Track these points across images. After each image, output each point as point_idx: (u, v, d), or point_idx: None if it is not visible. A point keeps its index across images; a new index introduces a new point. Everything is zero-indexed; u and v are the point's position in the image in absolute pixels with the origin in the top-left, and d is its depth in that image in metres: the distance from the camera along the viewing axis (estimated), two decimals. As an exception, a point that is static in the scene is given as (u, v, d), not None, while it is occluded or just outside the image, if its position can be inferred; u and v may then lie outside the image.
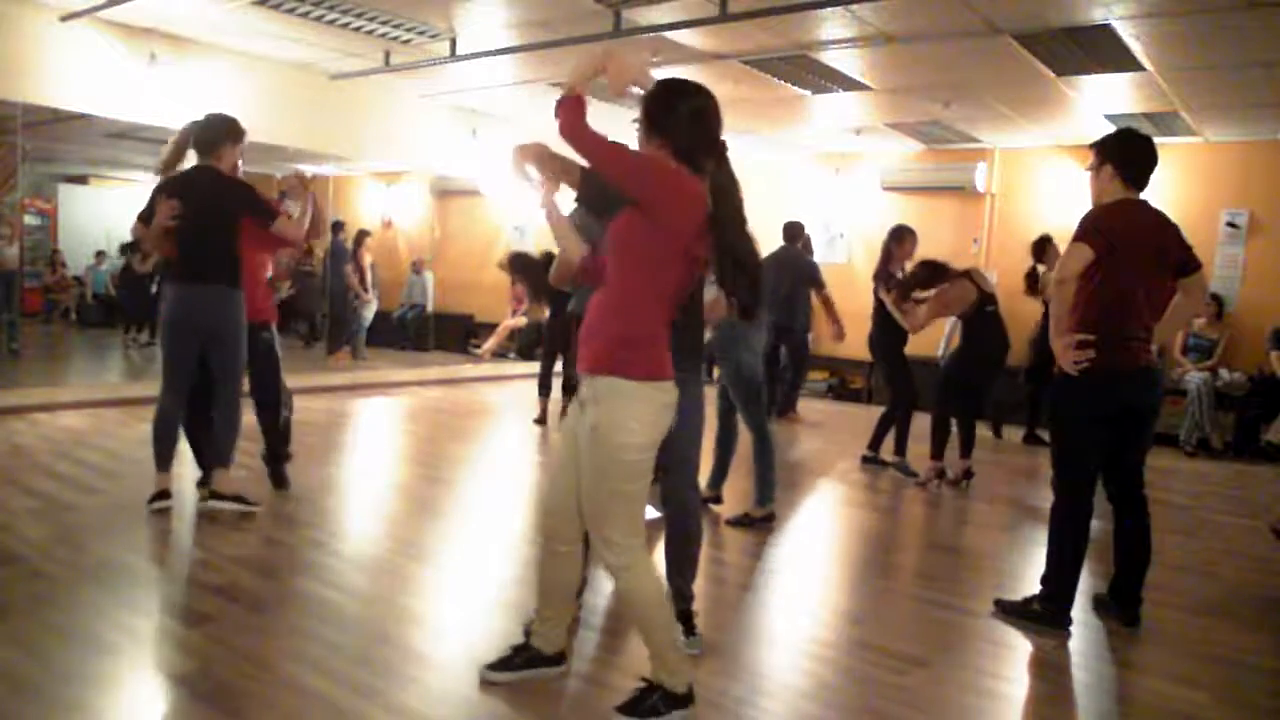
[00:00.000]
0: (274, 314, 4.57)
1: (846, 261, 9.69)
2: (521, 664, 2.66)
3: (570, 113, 2.22)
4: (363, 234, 10.87)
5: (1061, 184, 8.76)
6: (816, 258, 8.18)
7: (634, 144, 2.40)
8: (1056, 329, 3.22)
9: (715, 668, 2.83)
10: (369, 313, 10.64)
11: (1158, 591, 3.62)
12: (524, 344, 11.09)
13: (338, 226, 10.71)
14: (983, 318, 5.58)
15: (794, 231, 7.69)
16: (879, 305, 5.89)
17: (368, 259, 10.65)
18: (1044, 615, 3.35)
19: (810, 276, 7.58)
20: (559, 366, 7.12)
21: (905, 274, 5.87)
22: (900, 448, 5.90)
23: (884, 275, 5.87)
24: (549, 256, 6.54)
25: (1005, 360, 5.76)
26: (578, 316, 2.72)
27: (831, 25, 5.69)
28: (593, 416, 2.31)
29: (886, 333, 5.90)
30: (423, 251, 12.33)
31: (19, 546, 3.60)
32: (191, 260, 4.02)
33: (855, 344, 7.19)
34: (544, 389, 7.15)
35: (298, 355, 10.70)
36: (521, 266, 6.69)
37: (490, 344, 11.18)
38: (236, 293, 4.07)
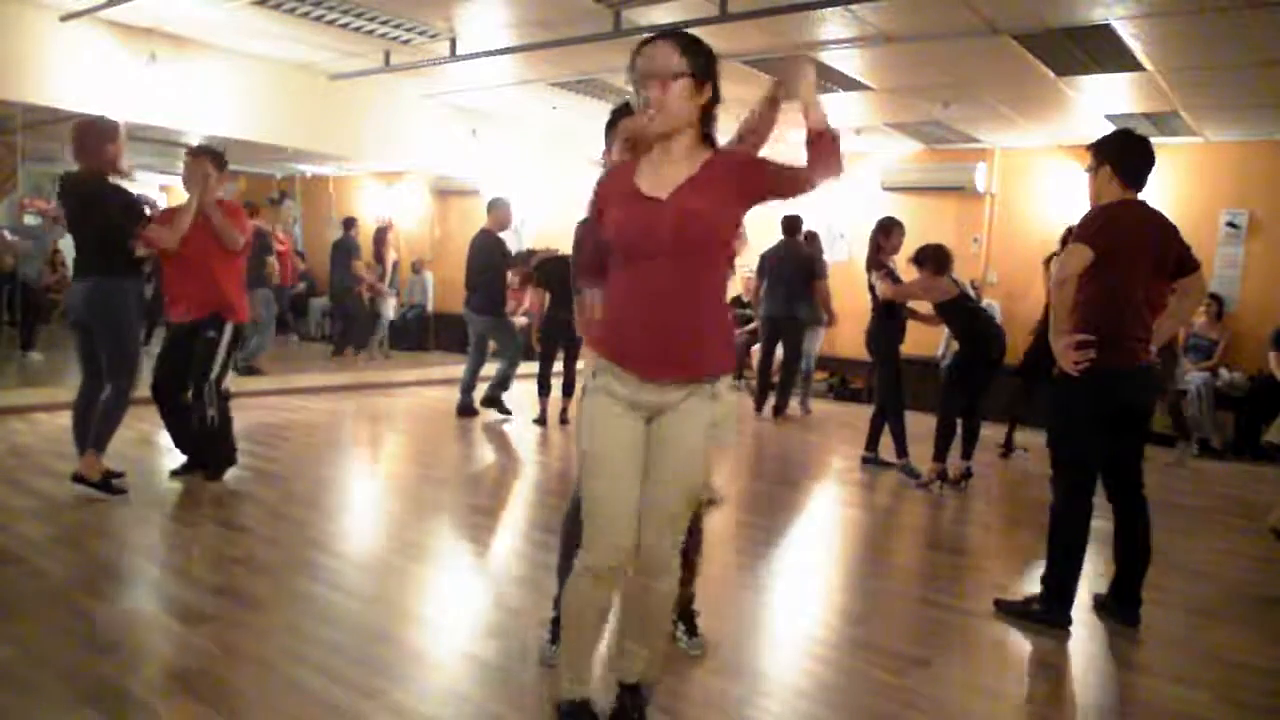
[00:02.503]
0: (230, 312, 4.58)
1: (848, 260, 9.66)
2: None
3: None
4: (383, 229, 10.84)
5: (1061, 184, 8.74)
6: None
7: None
8: (1056, 329, 3.23)
9: (715, 668, 2.83)
10: (389, 309, 10.63)
11: (1158, 591, 3.62)
12: (524, 344, 11.08)
13: (349, 223, 10.72)
14: (966, 317, 5.65)
15: (792, 225, 7.84)
16: (876, 303, 5.90)
17: (392, 255, 10.66)
18: (1044, 615, 3.35)
19: (809, 269, 7.69)
20: (558, 366, 7.12)
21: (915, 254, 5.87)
22: (900, 450, 5.86)
23: (877, 264, 5.90)
24: (559, 256, 6.65)
25: (1003, 357, 5.77)
26: None
27: (831, 25, 5.69)
28: (719, 412, 2.24)
29: (884, 331, 5.90)
30: (423, 251, 12.32)
31: (19, 546, 3.61)
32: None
33: (855, 344, 7.18)
34: (543, 389, 7.14)
35: (313, 353, 10.76)
36: (547, 275, 6.86)
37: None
38: (111, 282, 4.20)
